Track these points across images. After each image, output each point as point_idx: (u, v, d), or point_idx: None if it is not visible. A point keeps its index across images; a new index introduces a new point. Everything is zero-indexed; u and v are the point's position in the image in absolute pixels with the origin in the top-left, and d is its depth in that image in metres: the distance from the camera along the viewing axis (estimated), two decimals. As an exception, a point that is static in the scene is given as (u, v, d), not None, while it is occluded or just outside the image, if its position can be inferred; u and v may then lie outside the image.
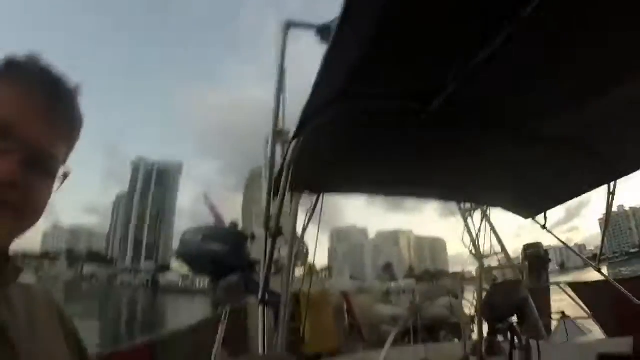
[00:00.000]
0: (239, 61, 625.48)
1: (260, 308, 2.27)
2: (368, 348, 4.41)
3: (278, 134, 2.33)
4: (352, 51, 1.45)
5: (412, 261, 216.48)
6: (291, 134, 2.13)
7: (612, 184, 3.06)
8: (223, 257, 3.54)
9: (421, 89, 1.77)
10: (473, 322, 3.64)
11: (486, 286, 3.83)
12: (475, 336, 2.96)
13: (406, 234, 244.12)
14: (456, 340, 4.05)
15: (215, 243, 3.62)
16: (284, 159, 2.19)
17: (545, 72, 1.78)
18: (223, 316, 2.94)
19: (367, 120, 2.00)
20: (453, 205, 4.13)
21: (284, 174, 2.16)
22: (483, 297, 3.49)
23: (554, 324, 4.57)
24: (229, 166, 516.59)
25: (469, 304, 5.87)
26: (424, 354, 3.14)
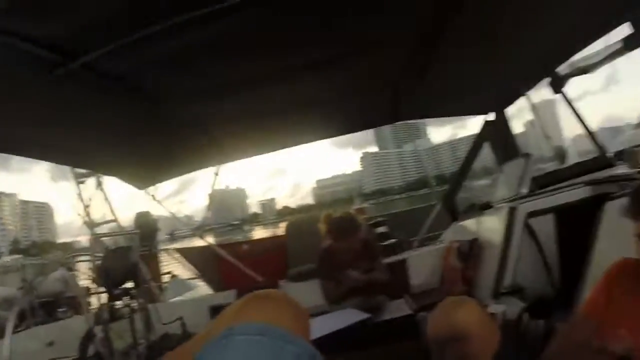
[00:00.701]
0: None
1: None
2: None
3: None
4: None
5: (17, 231, 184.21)
6: None
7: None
8: None
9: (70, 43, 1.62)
10: (90, 293, 3.55)
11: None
12: (94, 307, 2.93)
13: (10, 197, 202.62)
14: (76, 314, 3.85)
15: None
16: None
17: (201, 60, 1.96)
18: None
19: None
20: (67, 169, 3.87)
21: None
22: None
23: (166, 285, 5.02)
24: None
25: (84, 275, 5.68)
26: (48, 336, 2.90)
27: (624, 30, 2.84)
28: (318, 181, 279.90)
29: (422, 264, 3.62)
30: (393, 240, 4.70)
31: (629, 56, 3.11)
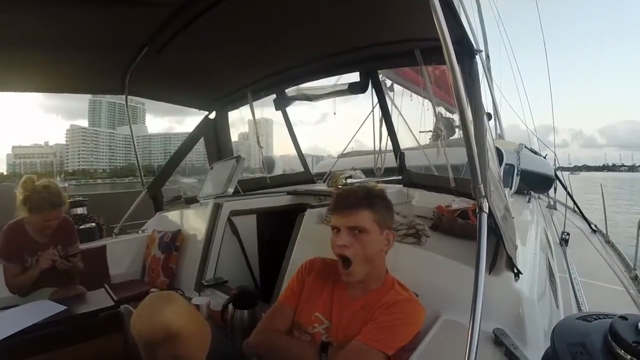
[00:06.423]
0: None
1: None
2: None
3: None
4: None
5: None
6: None
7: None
8: None
9: None
10: None
11: None
12: None
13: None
14: None
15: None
16: None
17: None
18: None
19: None
20: None
21: None
22: None
23: None
24: None
25: None
26: None
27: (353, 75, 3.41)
28: (15, 147, 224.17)
29: (123, 252, 3.39)
30: (92, 224, 4.20)
31: (347, 98, 3.74)
